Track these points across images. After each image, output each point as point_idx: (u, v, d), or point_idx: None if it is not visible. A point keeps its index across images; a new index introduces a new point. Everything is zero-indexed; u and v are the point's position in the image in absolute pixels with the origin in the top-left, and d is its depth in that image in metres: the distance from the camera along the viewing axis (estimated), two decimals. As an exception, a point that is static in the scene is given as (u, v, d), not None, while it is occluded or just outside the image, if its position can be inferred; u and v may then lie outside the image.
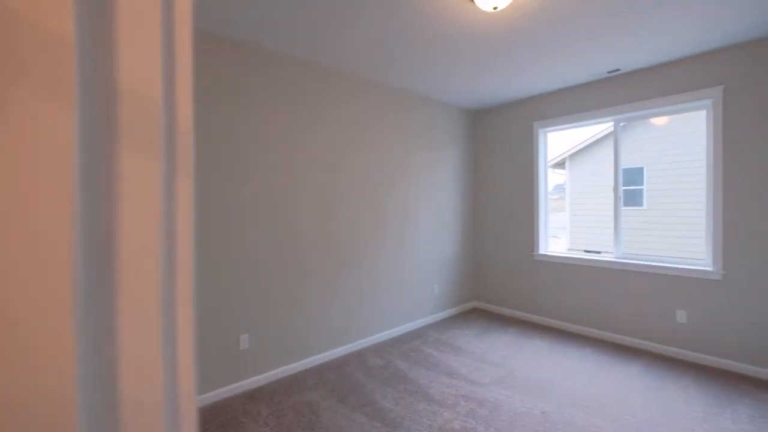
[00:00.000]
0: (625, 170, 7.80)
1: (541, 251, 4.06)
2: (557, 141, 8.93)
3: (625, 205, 7.83)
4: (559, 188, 10.76)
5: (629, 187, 7.82)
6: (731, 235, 2.83)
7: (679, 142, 7.04)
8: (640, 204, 7.72)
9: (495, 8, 2.12)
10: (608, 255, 3.68)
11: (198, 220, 2.38)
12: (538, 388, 2.61)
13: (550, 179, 11.37)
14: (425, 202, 4.03)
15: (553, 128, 3.98)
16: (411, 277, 3.88)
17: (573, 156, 8.94)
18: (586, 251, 8.57)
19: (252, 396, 2.54)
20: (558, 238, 9.99)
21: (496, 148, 4.46)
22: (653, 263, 3.24)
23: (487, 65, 3.11)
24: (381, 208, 3.56)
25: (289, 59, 2.83)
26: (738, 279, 2.81)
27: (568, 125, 3.85)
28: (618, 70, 3.29)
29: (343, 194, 3.23)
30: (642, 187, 7.72)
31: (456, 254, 4.44)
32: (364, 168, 3.40)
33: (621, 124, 3.55)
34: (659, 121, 7.29)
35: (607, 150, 7.93)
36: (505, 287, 4.38)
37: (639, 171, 7.74)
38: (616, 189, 3.57)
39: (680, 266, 3.09)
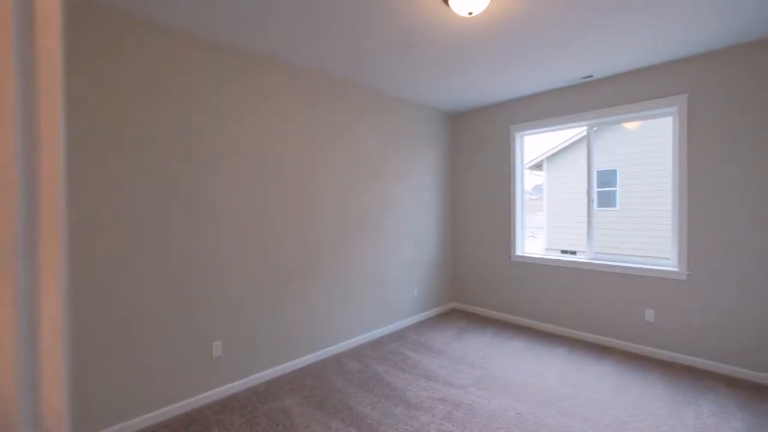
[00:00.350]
0: (599, 172, 8.05)
1: (518, 253, 4.13)
2: (536, 142, 9.13)
3: (599, 206, 8.07)
4: (539, 188, 10.99)
5: (603, 189, 8.06)
6: (695, 237, 2.95)
7: (650, 146, 7.32)
8: (614, 205, 7.98)
9: (470, 13, 2.13)
10: (583, 255, 3.78)
11: (166, 223, 2.29)
12: (513, 389, 2.65)
13: (530, 180, 11.59)
14: (405, 203, 4.04)
15: (529, 132, 4.05)
16: (390, 279, 3.87)
17: (550, 158, 9.16)
18: (562, 251, 8.80)
19: (225, 404, 2.47)
20: (536, 237, 10.21)
21: (475, 151, 4.50)
22: (623, 264, 3.34)
23: (463, 69, 3.13)
24: (360, 209, 3.53)
25: (262, 59, 2.77)
26: (702, 279, 2.93)
27: (543, 129, 3.93)
28: (591, 76, 3.37)
29: (321, 196, 3.19)
30: (615, 188, 7.98)
31: (435, 256, 4.46)
32: (342, 170, 3.37)
33: (594, 128, 3.64)
34: (631, 125, 7.55)
35: (583, 152, 8.10)
36: (484, 288, 4.43)
37: (612, 173, 7.99)
38: (588, 192, 3.67)
39: (648, 266, 3.20)
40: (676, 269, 3.04)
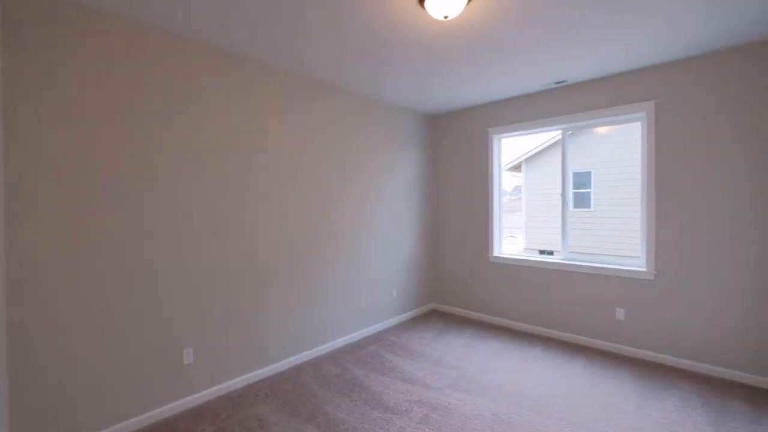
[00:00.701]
0: (575, 174, 8.27)
1: (496, 253, 4.19)
2: (515, 144, 9.30)
3: (575, 207, 8.30)
4: (519, 189, 11.21)
5: (579, 190, 8.29)
6: (662, 239, 3.06)
7: (623, 149, 7.57)
8: (588, 206, 8.21)
9: (446, 17, 2.14)
10: (558, 256, 3.87)
11: (134, 227, 2.20)
12: (490, 390, 2.68)
13: (509, 181, 11.74)
14: (384, 204, 4.03)
15: (506, 135, 4.11)
16: (370, 280, 3.85)
17: (528, 159, 9.35)
18: (540, 251, 9.00)
19: (197, 413, 2.40)
20: (515, 237, 10.40)
21: (454, 152, 4.54)
22: (595, 264, 3.44)
23: (441, 72, 3.15)
24: (338, 211, 3.50)
25: (240, 60, 2.71)
26: (668, 279, 3.04)
27: (519, 132, 4.00)
28: (564, 81, 3.45)
29: (298, 197, 3.14)
30: (590, 190, 8.22)
31: (415, 257, 4.47)
32: (321, 171, 3.33)
33: (568, 132, 3.73)
34: (601, 129, 7.79)
35: (560, 155, 8.36)
36: (463, 289, 4.47)
37: (587, 175, 8.23)
38: (563, 194, 3.76)
39: (619, 267, 3.30)
40: (644, 269, 3.15)
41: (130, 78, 2.17)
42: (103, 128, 2.08)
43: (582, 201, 8.32)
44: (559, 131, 3.78)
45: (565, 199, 3.75)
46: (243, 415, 2.38)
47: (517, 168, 9.80)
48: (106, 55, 2.08)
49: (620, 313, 3.28)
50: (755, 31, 2.46)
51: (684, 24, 2.36)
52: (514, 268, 4.00)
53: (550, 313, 3.74)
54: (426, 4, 2.09)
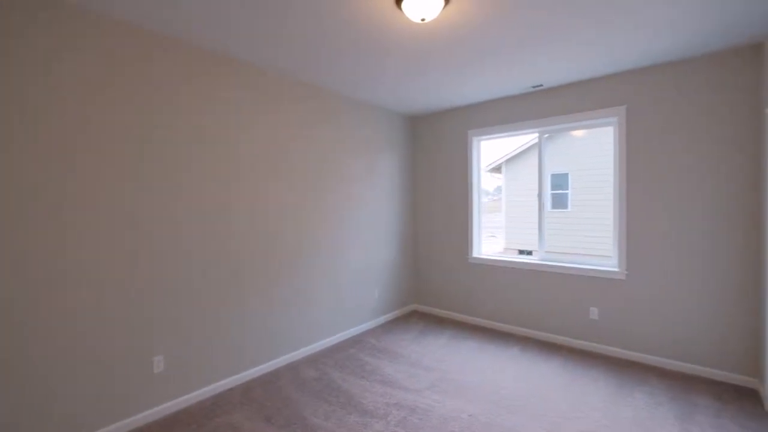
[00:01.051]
0: (553, 175, 8.47)
1: (475, 254, 4.23)
2: (495, 145, 9.45)
3: (553, 207, 8.50)
4: (500, 189, 11.38)
5: (556, 191, 8.49)
6: (634, 240, 3.16)
7: (598, 152, 7.79)
8: (566, 207, 8.42)
9: (423, 20, 2.14)
10: (535, 256, 3.93)
11: (100, 230, 2.11)
12: (468, 390, 2.70)
13: (491, 181, 11.88)
14: (364, 205, 4.00)
15: (485, 137, 4.16)
16: (351, 282, 3.82)
17: (509, 161, 9.51)
18: (520, 251, 9.17)
19: (168, 423, 2.31)
20: (496, 237, 10.56)
21: (434, 153, 4.56)
22: (570, 264, 3.51)
23: (418, 73, 3.15)
24: (318, 212, 3.46)
25: (214, 58, 2.63)
26: (639, 279, 3.14)
27: (498, 135, 4.05)
28: (541, 85, 3.52)
29: (276, 197, 3.08)
30: (567, 191, 8.42)
31: (396, 258, 4.47)
32: (300, 171, 3.28)
33: (545, 135, 3.80)
34: (577, 133, 8.00)
35: (536, 156, 8.54)
36: (443, 289, 4.50)
37: (564, 176, 8.43)
38: (540, 195, 3.82)
39: (593, 267, 3.39)
40: (617, 269, 3.24)
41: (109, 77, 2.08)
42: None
43: (560, 202, 8.52)
44: (537, 134, 3.84)
45: (541, 200, 3.82)
46: (216, 423, 2.31)
47: (497, 169, 9.95)
48: (91, 52, 1.98)
49: (594, 312, 3.36)
50: (712, 42, 2.56)
51: (645, 34, 2.43)
52: (492, 269, 4.05)
53: (527, 313, 3.80)
54: (403, 5, 2.08)
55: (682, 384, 2.77)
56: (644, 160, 3.10)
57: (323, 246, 3.51)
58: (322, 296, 3.51)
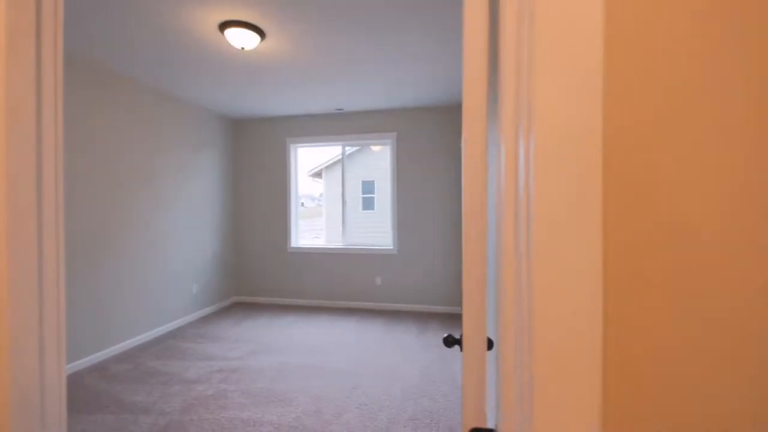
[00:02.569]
0: (364, 182, 10.11)
1: (293, 245, 4.92)
2: (317, 153, 10.47)
3: (363, 209, 10.14)
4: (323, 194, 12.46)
5: (367, 195, 10.17)
6: (402, 227, 4.53)
7: (388, 165, 9.80)
8: (373, 208, 10.20)
9: (243, 48, 2.67)
10: (340, 243, 4.94)
11: None
12: (281, 350, 3.33)
13: (316, 188, 12.66)
14: (186, 202, 4.08)
15: (301, 145, 4.92)
16: (167, 278, 3.84)
17: (328, 167, 10.69)
18: (338, 247, 10.43)
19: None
20: (319, 238, 11.59)
21: (257, 155, 5.01)
22: (363, 247, 4.67)
23: (243, 86, 3.62)
24: (131, 208, 3.39)
25: None
26: (405, 253, 4.53)
27: (311, 144, 4.89)
28: (342, 109, 4.54)
29: (82, 192, 2.92)
30: (374, 195, 10.22)
31: (217, 254, 4.66)
32: (110, 166, 3.17)
33: (347, 149, 4.86)
34: (375, 147, 9.89)
35: (353, 165, 10.01)
36: (264, 279, 4.99)
37: (372, 183, 10.21)
38: (342, 195, 4.86)
39: (377, 247, 4.63)
40: (392, 248, 4.56)
41: None
42: None
43: (369, 204, 10.24)
44: (341, 147, 4.87)
45: (344, 199, 4.86)
46: (4, 428, 2.15)
47: (318, 174, 11.01)
48: None
49: (378, 280, 4.59)
50: (441, 98, 4.12)
51: (402, 87, 3.72)
52: (308, 255, 4.84)
53: (332, 288, 4.75)
54: (225, 33, 2.57)
55: (425, 318, 4.23)
56: (408, 174, 4.52)
57: (136, 245, 3.46)
58: (135, 293, 3.44)
